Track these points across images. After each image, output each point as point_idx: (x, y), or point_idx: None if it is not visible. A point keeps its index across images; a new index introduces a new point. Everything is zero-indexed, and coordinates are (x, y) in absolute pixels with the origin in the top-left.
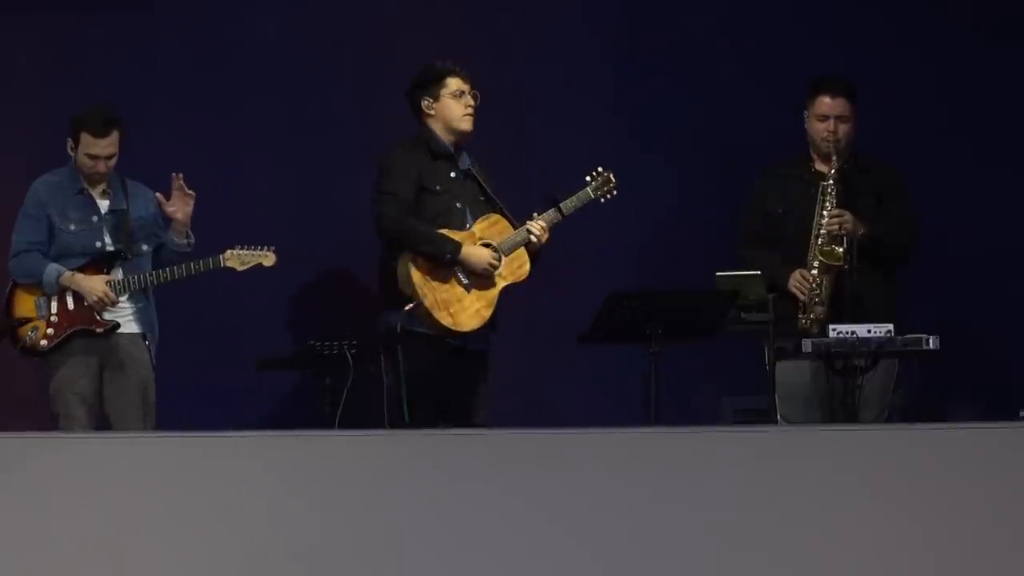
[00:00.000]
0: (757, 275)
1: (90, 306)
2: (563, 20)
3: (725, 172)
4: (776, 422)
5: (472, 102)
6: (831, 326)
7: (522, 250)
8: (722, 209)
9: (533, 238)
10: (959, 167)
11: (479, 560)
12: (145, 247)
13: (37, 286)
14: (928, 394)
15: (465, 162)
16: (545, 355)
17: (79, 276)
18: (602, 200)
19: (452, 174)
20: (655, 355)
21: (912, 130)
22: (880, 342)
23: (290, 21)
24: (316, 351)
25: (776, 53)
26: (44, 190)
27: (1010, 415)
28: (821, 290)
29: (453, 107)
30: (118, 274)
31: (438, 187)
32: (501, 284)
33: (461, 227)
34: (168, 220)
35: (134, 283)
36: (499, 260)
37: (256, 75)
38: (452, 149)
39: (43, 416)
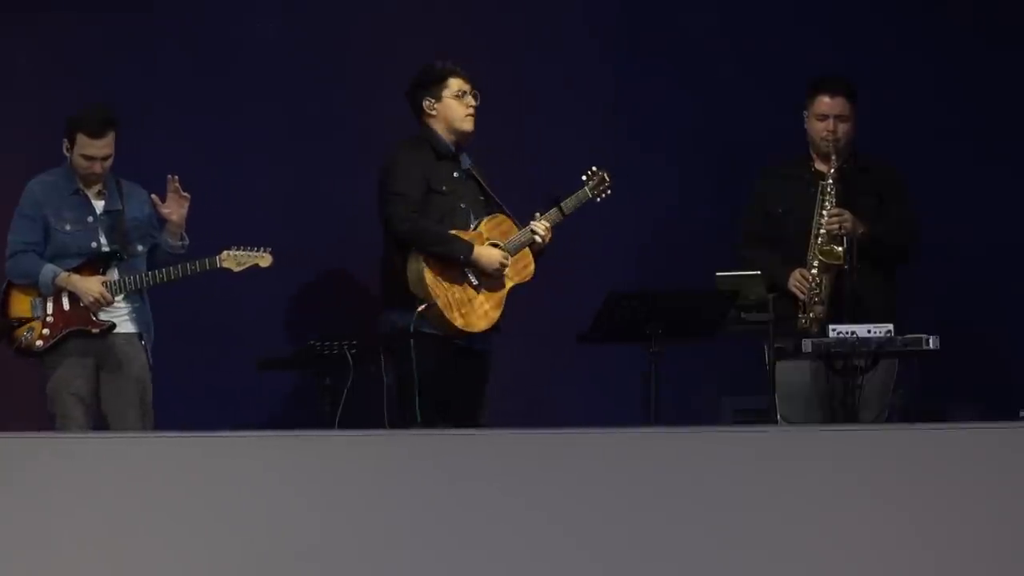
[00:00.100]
0: (757, 275)
1: (86, 306)
2: (563, 20)
3: (725, 172)
4: (776, 422)
5: (473, 102)
6: (831, 326)
7: (527, 250)
8: (722, 209)
9: (537, 238)
10: (959, 167)
11: (479, 560)
12: (140, 248)
13: (33, 287)
14: (928, 394)
15: (466, 162)
16: (545, 355)
17: (75, 277)
18: (598, 199)
19: (455, 174)
20: (655, 355)
21: (912, 130)
22: (880, 342)
23: (290, 21)
24: (316, 351)
25: (776, 53)
26: (40, 190)
27: (1010, 415)
28: (821, 289)
29: (455, 107)
30: (114, 274)
31: (444, 188)
32: (509, 285)
33: (465, 227)
34: (163, 221)
35: (130, 283)
36: (507, 260)
37: (256, 75)
38: (454, 149)
39: (41, 416)
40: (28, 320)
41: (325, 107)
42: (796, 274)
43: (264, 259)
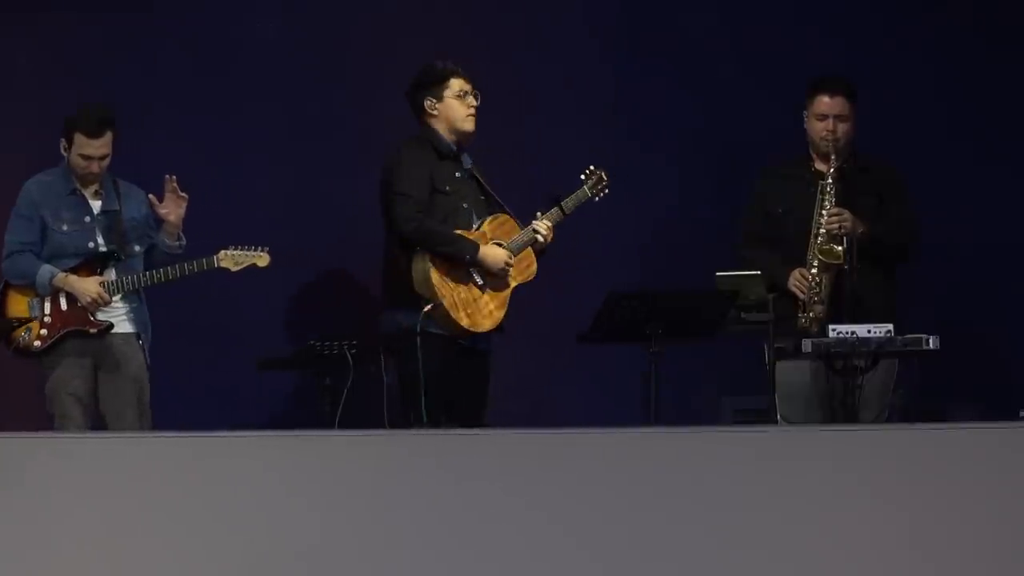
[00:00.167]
0: (757, 275)
1: (83, 307)
2: (563, 20)
3: (725, 172)
4: (776, 422)
5: (474, 102)
6: (831, 326)
7: (529, 250)
8: (722, 209)
9: (539, 237)
10: (959, 167)
11: (479, 560)
12: (137, 248)
13: (30, 287)
14: (928, 394)
15: (467, 162)
16: (545, 355)
17: (72, 278)
18: (597, 198)
19: (457, 174)
20: (655, 355)
21: (912, 130)
22: (880, 342)
23: (290, 21)
24: (316, 351)
25: (776, 53)
26: (37, 190)
27: (1010, 415)
28: (820, 289)
29: (456, 108)
30: (111, 275)
31: (447, 188)
32: (513, 284)
33: (467, 227)
34: (160, 221)
35: (127, 283)
36: (512, 260)
37: (256, 75)
38: (455, 149)
39: (40, 416)
40: (26, 320)
41: (325, 107)
42: (796, 274)
43: (262, 258)
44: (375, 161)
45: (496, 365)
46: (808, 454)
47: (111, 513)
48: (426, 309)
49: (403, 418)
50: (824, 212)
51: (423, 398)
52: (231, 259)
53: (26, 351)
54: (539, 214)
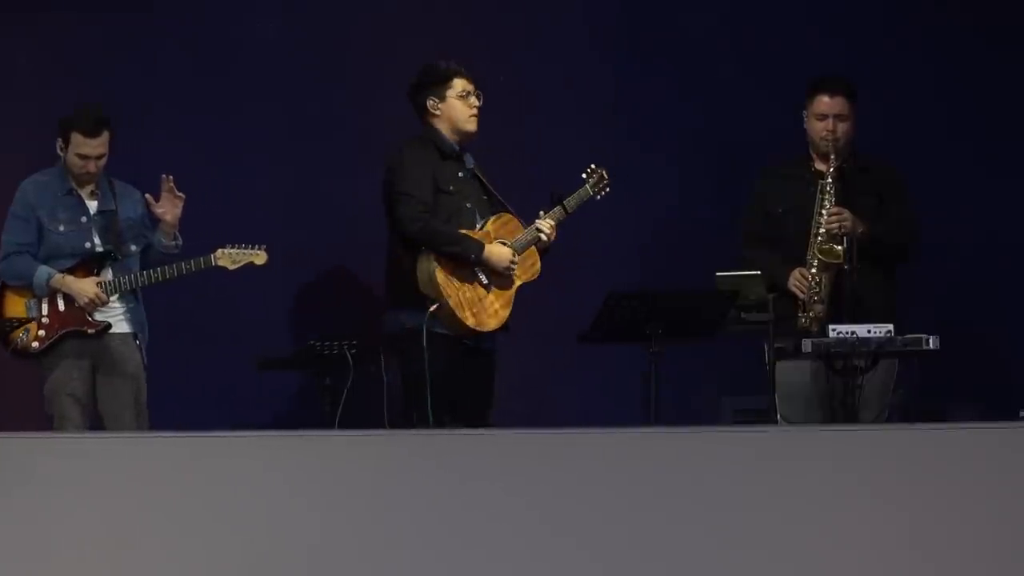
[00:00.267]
0: (757, 275)
1: (81, 307)
2: (563, 20)
3: (725, 172)
4: (776, 422)
5: (477, 103)
6: (831, 326)
7: (533, 249)
8: (722, 209)
9: (543, 236)
10: (959, 167)
11: (478, 560)
12: (134, 247)
13: (27, 288)
14: (928, 394)
15: (470, 162)
16: (545, 355)
17: (69, 278)
18: (598, 196)
19: (460, 174)
20: (655, 355)
21: (912, 130)
22: (880, 342)
23: (290, 21)
24: (316, 351)
25: (776, 53)
26: (33, 191)
27: (1010, 415)
28: (820, 288)
29: (459, 108)
30: (108, 275)
31: (450, 187)
32: (517, 283)
33: (471, 227)
34: (156, 221)
35: (124, 283)
36: (516, 259)
37: (256, 75)
38: (457, 149)
39: (39, 417)
40: (24, 321)
41: (325, 107)
42: (796, 273)
43: (259, 256)
44: (375, 161)
45: (500, 364)
46: (808, 454)
47: (110, 513)
48: (431, 309)
49: (406, 418)
50: (824, 212)
51: (428, 398)
52: (228, 257)
53: (24, 352)
54: (542, 213)
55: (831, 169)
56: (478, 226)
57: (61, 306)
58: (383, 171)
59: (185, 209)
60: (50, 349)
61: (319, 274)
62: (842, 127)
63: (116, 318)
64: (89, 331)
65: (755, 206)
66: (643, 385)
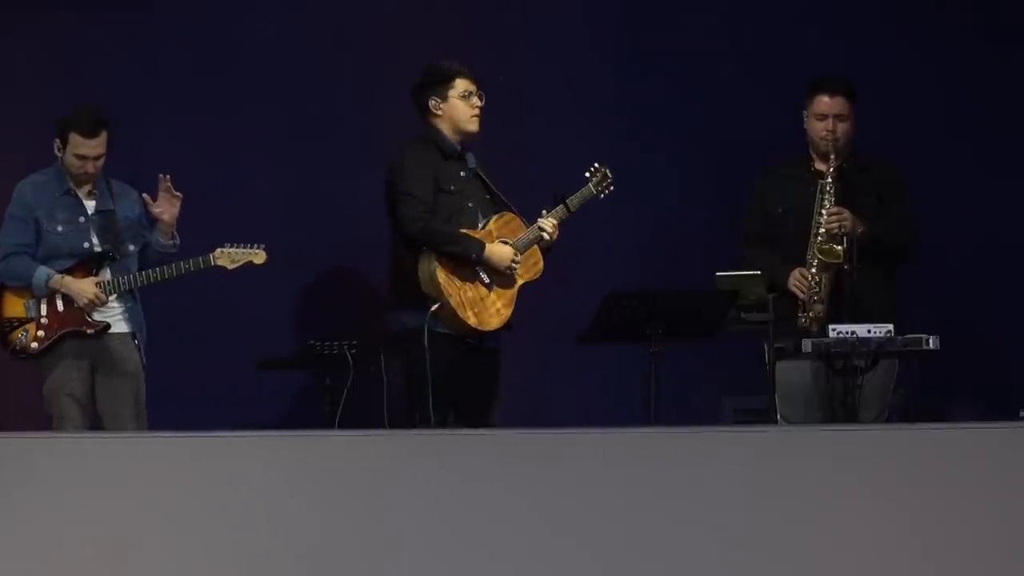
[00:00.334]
0: (757, 275)
1: (80, 307)
2: (563, 20)
3: (725, 172)
4: (776, 422)
5: (479, 103)
6: (831, 326)
7: (535, 248)
8: (722, 209)
9: (545, 235)
10: (959, 167)
11: (478, 560)
12: (132, 247)
13: (26, 288)
14: (928, 394)
15: (472, 161)
16: (545, 355)
17: (68, 279)
18: (602, 196)
19: (462, 173)
20: (655, 355)
21: (912, 130)
22: (880, 342)
23: (290, 21)
24: (316, 351)
25: (776, 53)
26: (31, 191)
27: (1010, 415)
28: (820, 288)
29: (461, 108)
30: (106, 275)
31: (452, 187)
32: (520, 282)
33: (473, 226)
34: (154, 221)
35: (123, 283)
36: (518, 258)
37: (256, 75)
38: (459, 148)
39: (39, 417)
40: (23, 321)
41: (325, 107)
42: (796, 273)
43: (258, 256)
44: (375, 161)
45: (503, 364)
46: (808, 454)
47: (110, 513)
48: (433, 308)
49: (408, 418)
50: (824, 212)
51: (431, 398)
52: (227, 257)
53: (24, 352)
54: (544, 212)
55: (831, 169)
56: (480, 225)
57: (60, 306)
58: (385, 171)
59: (185, 209)
60: (49, 349)
61: (319, 274)
62: (842, 127)
63: (115, 318)
64: (88, 331)
65: (755, 206)
66: (643, 385)
